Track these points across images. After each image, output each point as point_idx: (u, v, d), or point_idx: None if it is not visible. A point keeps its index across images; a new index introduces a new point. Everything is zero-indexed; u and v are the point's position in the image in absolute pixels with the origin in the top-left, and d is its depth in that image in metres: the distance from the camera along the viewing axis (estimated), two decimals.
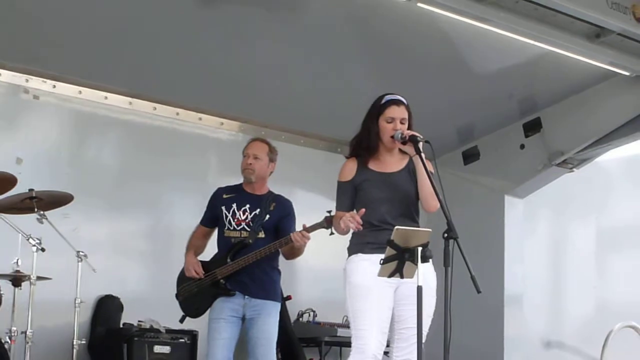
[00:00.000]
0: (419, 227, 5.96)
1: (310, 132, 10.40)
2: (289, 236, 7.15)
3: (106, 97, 9.26)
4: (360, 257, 6.08)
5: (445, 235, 5.52)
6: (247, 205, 7.40)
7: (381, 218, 6.02)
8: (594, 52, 8.97)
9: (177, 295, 7.61)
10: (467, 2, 7.96)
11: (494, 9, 8.09)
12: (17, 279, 7.31)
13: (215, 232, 7.54)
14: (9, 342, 7.04)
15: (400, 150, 6.14)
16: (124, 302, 8.93)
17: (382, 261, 5.59)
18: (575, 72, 9.47)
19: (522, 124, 10.33)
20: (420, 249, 5.49)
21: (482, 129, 10.55)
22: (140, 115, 9.51)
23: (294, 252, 7.34)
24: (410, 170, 6.14)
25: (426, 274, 5.65)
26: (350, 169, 6.19)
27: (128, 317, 8.79)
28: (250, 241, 7.30)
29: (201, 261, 7.46)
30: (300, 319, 9.78)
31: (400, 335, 6.07)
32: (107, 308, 8.85)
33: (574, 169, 10.47)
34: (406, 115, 6.12)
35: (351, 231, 6.07)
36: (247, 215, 7.38)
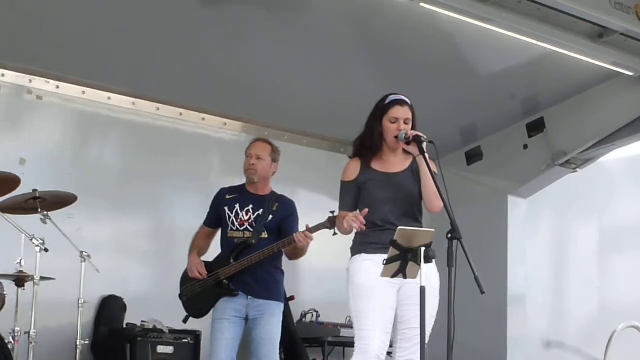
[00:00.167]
0: (422, 227, 5.97)
1: (312, 132, 10.43)
2: (292, 236, 7.15)
3: (109, 98, 9.28)
4: (363, 257, 6.09)
5: (449, 235, 5.51)
6: (250, 206, 7.42)
7: (384, 218, 6.03)
8: (597, 52, 8.96)
9: (180, 296, 7.63)
10: (470, 2, 7.96)
11: (497, 9, 8.08)
12: (20, 279, 7.31)
13: (219, 233, 7.56)
14: (13, 342, 7.05)
15: (404, 151, 6.16)
16: (127, 303, 8.95)
17: (385, 261, 5.61)
18: (578, 72, 9.48)
19: (525, 124, 10.33)
20: (423, 249, 5.50)
21: (485, 129, 10.56)
22: (143, 116, 9.53)
23: (297, 253, 7.34)
24: (413, 170, 6.15)
25: (429, 274, 5.65)
26: (354, 168, 6.20)
27: (131, 317, 8.79)
28: (254, 241, 7.32)
29: (204, 262, 7.49)
30: (304, 319, 9.79)
31: (404, 335, 6.08)
32: (110, 308, 8.86)
33: (577, 169, 10.48)
34: (410, 116, 6.12)
35: (354, 231, 6.09)
36: (250, 216, 7.39)
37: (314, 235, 7.07)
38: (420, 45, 8.72)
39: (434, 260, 5.60)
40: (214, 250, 7.59)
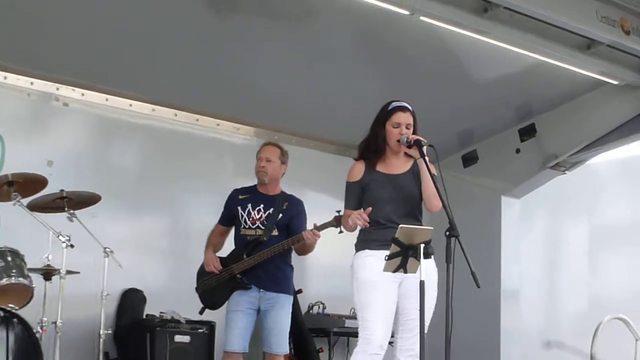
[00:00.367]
0: (421, 225, 5.99)
1: (319, 136, 10.41)
2: (300, 234, 7.19)
3: (130, 105, 9.30)
4: (366, 253, 6.11)
5: (447, 233, 5.53)
6: (261, 205, 7.45)
7: (387, 217, 6.06)
8: (585, 63, 8.97)
9: (196, 289, 7.66)
10: (467, 16, 7.97)
11: (492, 22, 8.10)
12: (48, 273, 7.34)
13: (232, 231, 7.60)
14: (41, 331, 7.03)
15: (406, 154, 6.19)
16: (147, 295, 8.96)
17: (387, 257, 5.63)
18: (568, 81, 9.47)
19: (518, 129, 10.32)
20: (422, 246, 5.52)
21: (481, 133, 10.55)
22: (162, 121, 9.53)
23: (305, 249, 7.38)
24: (414, 172, 6.17)
25: (428, 269, 5.67)
26: (359, 170, 6.23)
27: (151, 308, 8.81)
28: (265, 239, 7.36)
29: (219, 257, 7.53)
30: (311, 310, 9.79)
31: (404, 326, 6.10)
32: (131, 300, 8.88)
33: (567, 172, 10.48)
34: (411, 121, 6.15)
35: (358, 228, 6.13)
36: (262, 215, 7.43)
37: (321, 233, 7.10)
38: (420, 55, 8.73)
39: (432, 256, 5.62)
40: (228, 246, 7.64)
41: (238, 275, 7.38)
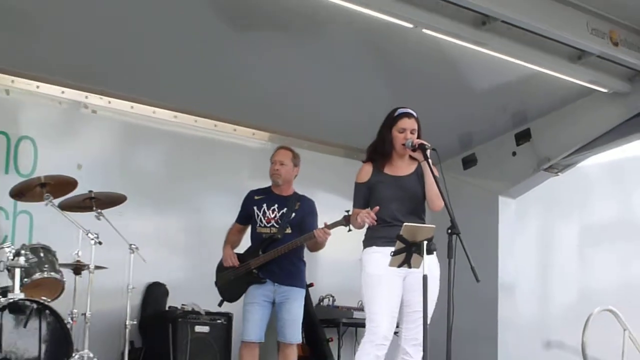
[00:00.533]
0: (424, 223, 6.00)
1: (329, 140, 10.39)
2: (312, 232, 7.20)
3: (154, 112, 9.29)
4: (373, 249, 6.12)
5: (449, 231, 5.55)
6: (276, 205, 7.46)
7: (392, 215, 6.06)
8: (576, 72, 8.96)
9: (215, 282, 7.67)
10: (466, 28, 7.96)
11: (490, 34, 8.09)
12: (77, 268, 7.37)
13: (249, 229, 7.61)
14: (71, 322, 7.03)
15: (410, 157, 6.20)
16: (169, 288, 8.96)
17: (392, 253, 5.65)
18: (560, 89, 9.45)
19: (514, 134, 10.29)
20: (425, 242, 5.55)
21: (480, 138, 10.53)
22: (184, 127, 9.52)
23: (316, 246, 7.39)
24: (418, 174, 6.18)
25: (431, 264, 5.70)
26: (367, 172, 6.24)
27: (173, 301, 8.81)
28: (279, 236, 7.37)
29: (237, 253, 7.54)
30: (321, 303, 9.79)
31: (408, 317, 6.10)
32: (155, 293, 8.88)
33: (559, 173, 10.46)
34: (416, 126, 6.16)
35: (366, 226, 6.14)
36: (276, 214, 7.44)
37: (331, 231, 7.10)
38: (422, 65, 8.71)
39: (435, 253, 5.66)
40: (245, 243, 7.64)
41: (254, 270, 7.38)
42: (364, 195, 6.21)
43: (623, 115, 9.54)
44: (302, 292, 7.52)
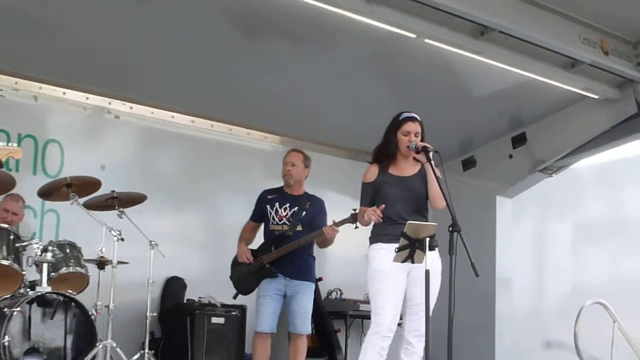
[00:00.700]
0: (427, 221, 5.98)
1: (337, 143, 10.37)
2: (321, 229, 7.20)
3: (173, 117, 9.32)
4: (379, 245, 6.10)
5: (450, 228, 5.55)
6: (287, 204, 7.46)
7: (397, 214, 6.04)
8: (569, 79, 8.94)
9: (230, 277, 7.66)
10: (466, 38, 7.96)
11: (488, 44, 8.09)
12: (101, 263, 7.37)
13: (262, 227, 7.60)
14: (95, 314, 7.04)
15: (414, 158, 6.18)
16: (187, 282, 8.98)
17: (397, 249, 5.64)
18: (554, 95, 9.43)
19: (511, 138, 10.27)
20: (428, 239, 5.53)
21: (478, 141, 10.52)
22: (200, 131, 9.54)
23: (325, 242, 7.38)
24: (422, 174, 6.17)
25: (433, 260, 5.67)
26: (373, 172, 6.22)
27: (191, 294, 8.82)
28: (290, 233, 7.37)
29: (251, 249, 7.53)
30: (330, 296, 9.78)
31: (411, 310, 6.09)
32: (173, 287, 8.90)
33: (553, 175, 10.43)
34: (419, 130, 6.15)
35: (372, 223, 6.13)
36: (288, 212, 7.43)
37: (339, 228, 7.11)
38: (425, 72, 8.70)
39: (437, 249, 5.65)
40: (258, 240, 7.63)
41: (267, 265, 7.37)
42: (371, 194, 6.20)
43: (613, 121, 9.52)
44: (312, 285, 7.52)
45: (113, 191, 7.40)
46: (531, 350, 10.67)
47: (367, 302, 6.61)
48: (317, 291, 8.04)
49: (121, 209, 7.38)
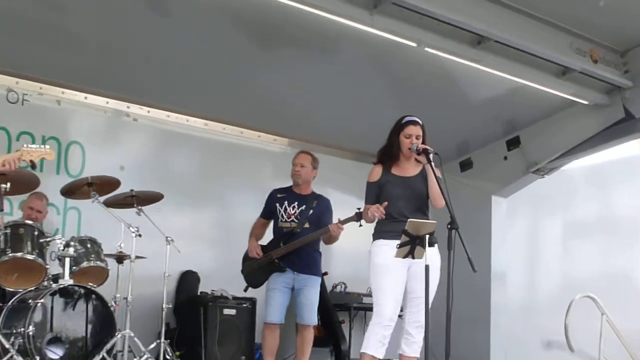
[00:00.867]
0: (427, 219, 5.98)
1: (343, 145, 10.36)
2: (327, 227, 7.18)
3: (187, 120, 9.33)
4: (382, 242, 6.12)
5: (449, 226, 5.54)
6: (296, 203, 7.45)
7: (399, 212, 6.06)
8: (560, 86, 8.93)
9: (242, 271, 7.65)
10: (463, 47, 7.96)
11: (484, 52, 8.09)
12: (120, 258, 7.39)
13: (271, 223, 7.59)
14: (114, 305, 7.06)
15: (416, 160, 6.18)
16: (201, 276, 8.98)
17: (398, 246, 5.65)
18: (547, 101, 9.41)
19: (505, 141, 10.25)
20: (428, 236, 5.55)
21: (475, 144, 10.50)
22: (213, 134, 9.55)
23: (331, 239, 7.35)
24: (423, 175, 6.18)
25: (432, 256, 5.69)
26: (377, 172, 6.24)
27: (204, 287, 8.83)
28: (298, 230, 7.36)
29: (261, 245, 7.53)
30: (335, 289, 9.77)
31: (412, 303, 6.11)
32: (188, 280, 8.90)
33: (546, 176, 10.41)
34: (421, 133, 6.16)
35: (376, 220, 6.14)
36: (296, 210, 7.42)
37: (344, 226, 7.09)
38: (425, 79, 8.69)
39: (436, 245, 5.66)
40: (268, 236, 7.63)
41: (276, 260, 7.36)
42: (375, 193, 6.20)
43: (602, 125, 9.50)
44: (318, 279, 7.51)
45: (132, 190, 7.41)
46: (524, 340, 10.66)
47: (370, 295, 6.60)
48: (323, 285, 8.02)
49: (139, 207, 7.40)
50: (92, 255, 7.24)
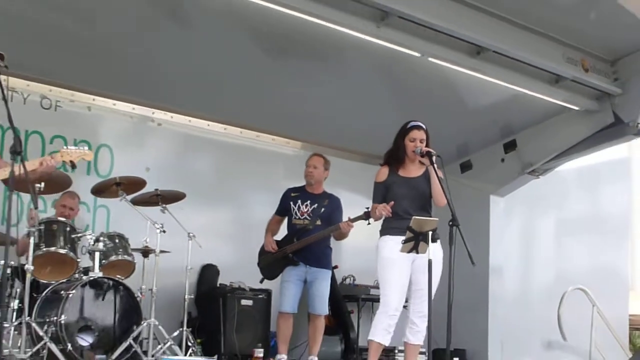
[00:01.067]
0: (430, 217, 5.99)
1: (352, 148, 10.32)
2: (338, 224, 7.21)
3: (208, 125, 9.34)
4: (388, 237, 6.13)
5: (450, 223, 5.57)
6: (308, 201, 7.47)
7: (404, 210, 6.07)
8: (553, 93, 8.89)
9: (258, 264, 7.67)
10: (464, 57, 7.94)
11: (483, 62, 8.07)
12: (146, 252, 7.40)
13: (285, 220, 7.60)
14: (140, 296, 7.05)
15: (420, 162, 6.20)
16: (220, 269, 8.97)
17: (403, 241, 5.66)
18: (541, 107, 9.36)
19: (503, 144, 10.21)
20: (430, 232, 5.55)
21: (474, 147, 10.45)
22: (231, 137, 9.55)
23: (341, 236, 7.38)
24: (426, 176, 6.19)
25: (435, 250, 5.71)
26: (384, 173, 6.26)
27: (223, 279, 8.84)
28: (311, 227, 7.38)
29: (276, 240, 7.55)
30: (344, 281, 9.73)
31: (416, 294, 6.13)
32: (208, 273, 8.90)
33: (540, 176, 10.37)
34: (424, 137, 6.18)
35: (383, 217, 6.16)
36: (308, 209, 7.44)
37: (354, 224, 7.11)
38: (428, 86, 8.66)
39: (438, 241, 5.66)
40: (282, 232, 7.65)
41: (290, 254, 7.39)
42: (382, 193, 6.22)
43: (592, 129, 9.46)
44: (329, 272, 7.52)
45: (156, 189, 7.43)
46: (519, 328, 10.62)
47: (377, 287, 6.62)
48: (333, 277, 8.03)
49: (163, 205, 7.42)
50: (120, 250, 7.26)
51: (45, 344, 6.22)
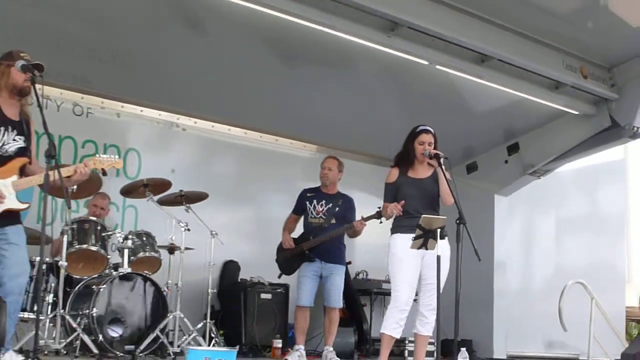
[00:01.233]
0: (438, 215, 5.96)
1: (364, 151, 10.29)
2: (352, 223, 7.18)
3: (229, 129, 9.34)
4: (398, 235, 6.11)
5: (458, 221, 5.56)
6: (323, 201, 7.43)
7: (414, 209, 6.04)
8: (554, 98, 8.88)
9: (276, 260, 7.64)
10: (469, 65, 7.95)
11: (487, 69, 8.08)
12: (171, 249, 7.38)
13: (302, 219, 7.57)
14: (166, 290, 7.05)
15: (428, 163, 6.18)
16: (241, 265, 8.96)
17: (413, 238, 5.64)
18: (542, 111, 9.35)
19: (506, 146, 10.20)
20: (439, 230, 5.53)
21: (479, 149, 10.43)
22: (251, 141, 9.54)
23: (354, 234, 7.34)
24: (434, 177, 6.17)
25: (443, 247, 5.68)
26: (394, 174, 6.24)
27: (243, 274, 8.82)
28: (326, 225, 7.34)
29: (293, 238, 7.51)
30: (358, 276, 9.72)
31: (425, 288, 6.10)
32: (230, 268, 8.90)
33: (541, 177, 10.35)
34: (433, 140, 6.15)
35: (394, 216, 6.13)
36: (324, 208, 7.40)
37: (367, 222, 7.07)
38: (435, 92, 8.67)
39: (446, 238, 5.64)
40: (299, 230, 7.61)
41: (306, 251, 7.35)
42: (392, 193, 6.20)
43: (590, 132, 9.43)
44: (343, 268, 7.49)
45: (181, 190, 7.41)
46: (522, 319, 10.58)
47: (389, 281, 6.58)
48: (347, 273, 7.99)
49: (188, 205, 7.39)
50: (147, 247, 7.24)
51: (78, 335, 6.24)
